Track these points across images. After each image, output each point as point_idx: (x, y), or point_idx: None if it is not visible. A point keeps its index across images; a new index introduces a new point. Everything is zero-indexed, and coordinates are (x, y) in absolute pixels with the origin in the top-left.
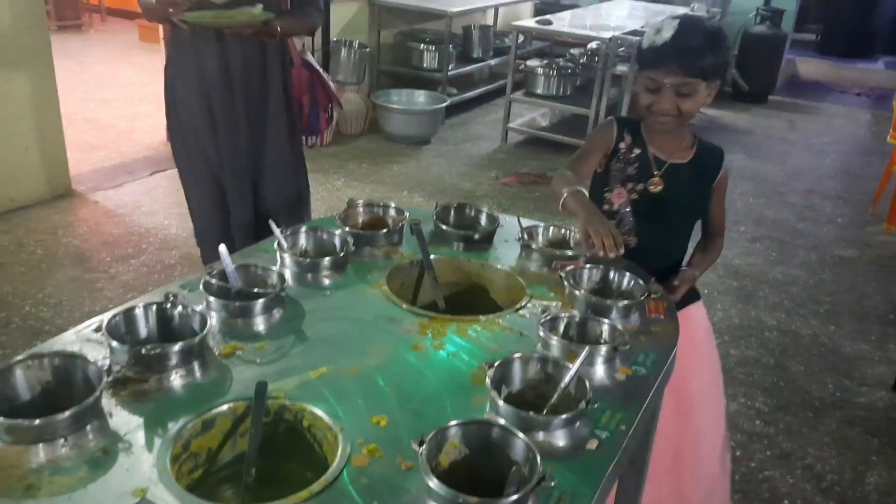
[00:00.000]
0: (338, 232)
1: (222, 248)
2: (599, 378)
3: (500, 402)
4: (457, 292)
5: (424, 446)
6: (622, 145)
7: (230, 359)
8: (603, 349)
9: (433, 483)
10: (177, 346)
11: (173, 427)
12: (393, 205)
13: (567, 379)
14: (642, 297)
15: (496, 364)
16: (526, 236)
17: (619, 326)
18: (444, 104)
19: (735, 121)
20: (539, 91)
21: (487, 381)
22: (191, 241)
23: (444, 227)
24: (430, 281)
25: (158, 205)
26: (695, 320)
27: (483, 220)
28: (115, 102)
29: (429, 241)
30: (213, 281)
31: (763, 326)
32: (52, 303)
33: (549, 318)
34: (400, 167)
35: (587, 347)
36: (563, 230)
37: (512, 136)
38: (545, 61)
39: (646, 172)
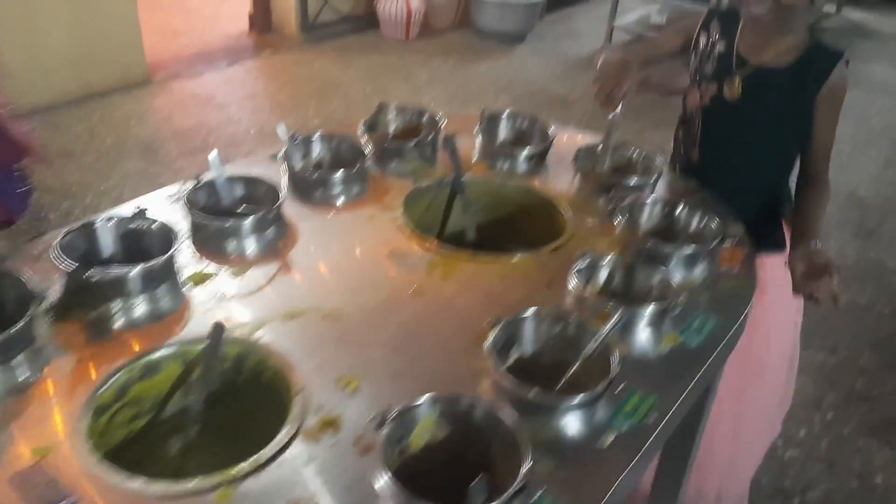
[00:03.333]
0: (359, 141)
1: (213, 154)
2: (638, 348)
3: (499, 371)
4: (494, 221)
5: (385, 427)
6: (703, 39)
7: (200, 288)
8: (647, 310)
9: (383, 482)
10: (127, 271)
11: (106, 370)
12: (428, 111)
13: (590, 348)
14: (714, 244)
15: (502, 322)
16: (582, 157)
17: (678, 279)
18: None
19: (882, 24)
20: None
21: (488, 342)
22: (259, 137)
23: (487, 140)
24: (460, 206)
25: (232, 97)
26: (777, 275)
27: (536, 133)
28: None
29: (474, 157)
30: (200, 193)
31: (883, 270)
32: (113, 195)
33: (585, 264)
34: (489, 65)
35: (621, 309)
36: (632, 151)
37: (618, 36)
38: None
39: (724, 72)
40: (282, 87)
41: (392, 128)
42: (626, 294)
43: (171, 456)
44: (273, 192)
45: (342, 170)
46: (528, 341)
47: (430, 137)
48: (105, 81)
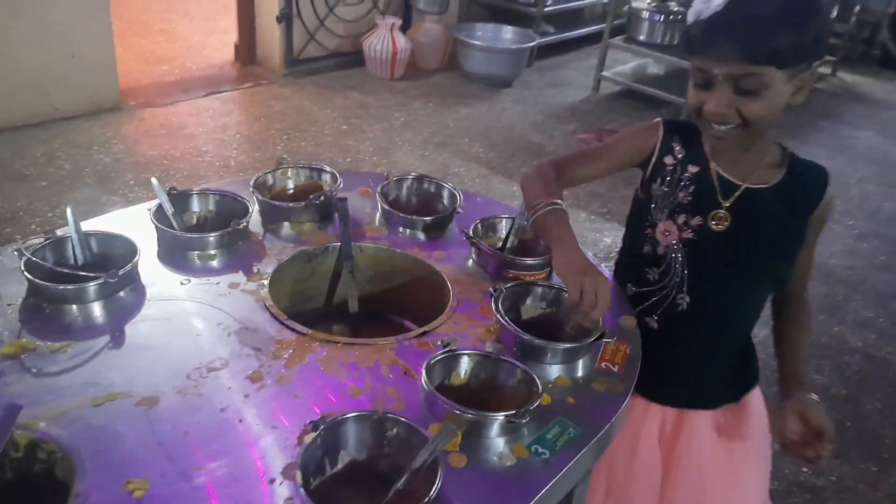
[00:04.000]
0: (243, 198)
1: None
2: (481, 458)
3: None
4: (383, 291)
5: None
6: (669, 160)
7: (10, 362)
8: (496, 420)
9: None
10: None
11: None
12: (329, 169)
13: (420, 458)
14: (592, 339)
15: (320, 428)
16: (479, 231)
17: (553, 375)
18: (531, 44)
19: (875, 90)
20: (642, 38)
21: (300, 452)
22: (223, 171)
23: (387, 204)
24: (347, 274)
25: (203, 128)
26: (747, 414)
27: (445, 199)
28: (196, 15)
29: (375, 222)
30: (34, 256)
31: (844, 347)
32: (59, 223)
33: (440, 356)
34: (470, 110)
35: (440, 428)
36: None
37: (605, 87)
38: (653, 2)
39: (707, 200)
40: (255, 120)
41: (290, 185)
42: (481, 392)
43: None
44: (131, 251)
45: (212, 232)
46: (354, 446)
47: (321, 198)
48: (73, 105)
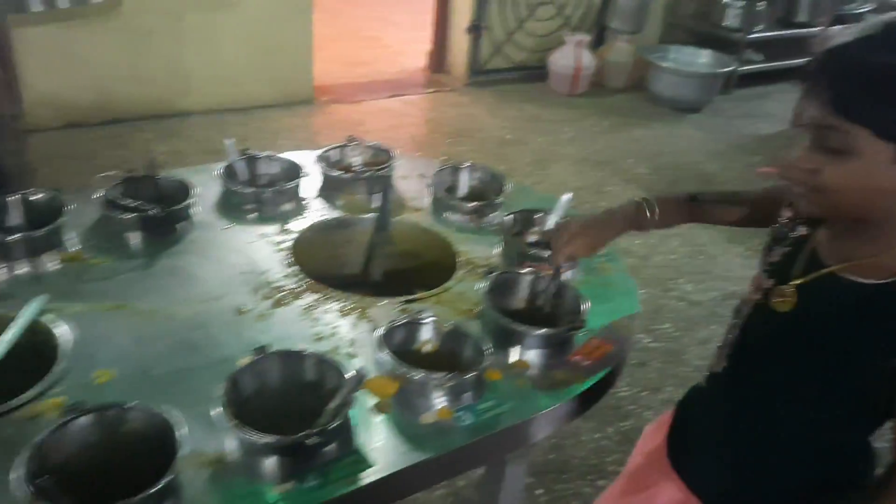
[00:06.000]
0: (302, 166)
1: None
2: (405, 415)
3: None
4: (418, 268)
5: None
6: (787, 212)
7: (63, 265)
8: (424, 379)
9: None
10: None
11: None
12: (392, 149)
13: (335, 402)
14: (569, 329)
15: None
16: (507, 225)
17: (527, 358)
18: (726, 69)
19: None
20: None
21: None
22: None
23: (434, 187)
24: (379, 247)
25: (378, 126)
26: None
27: (498, 188)
28: (402, 25)
29: (421, 202)
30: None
31: None
32: None
33: (404, 321)
34: (645, 132)
35: (353, 373)
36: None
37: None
38: None
39: (787, 269)
40: (426, 123)
41: (357, 161)
42: (438, 360)
43: None
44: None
45: (255, 188)
46: (282, 379)
47: (367, 174)
48: (270, 96)
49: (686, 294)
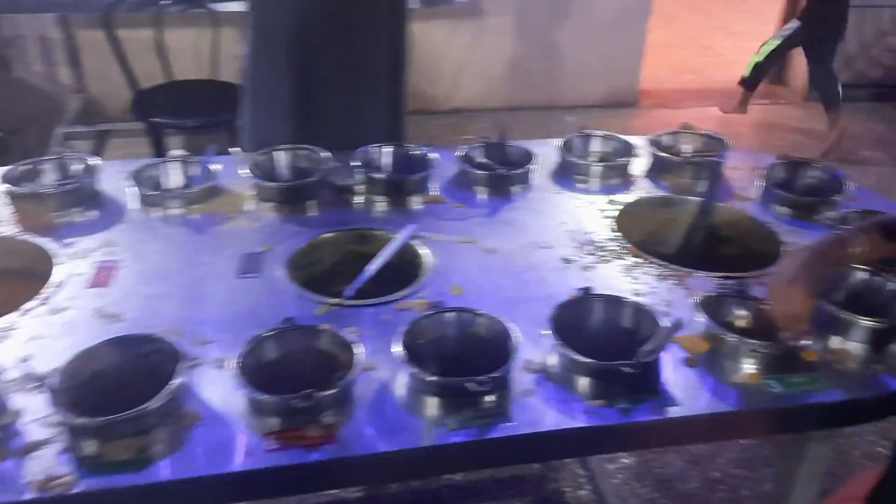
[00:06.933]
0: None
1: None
2: (713, 370)
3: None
4: (739, 257)
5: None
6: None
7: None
8: (740, 344)
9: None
10: None
11: None
12: (725, 138)
13: (638, 354)
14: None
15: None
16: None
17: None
18: None
19: None
20: None
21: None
22: None
23: (766, 179)
24: (697, 226)
25: None
26: None
27: (828, 191)
28: (743, 35)
29: (750, 193)
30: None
31: None
32: None
33: (717, 292)
34: None
35: (672, 321)
36: None
37: None
38: None
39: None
40: (754, 135)
41: (686, 148)
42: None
43: None
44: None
45: (588, 161)
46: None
47: (696, 159)
48: (597, 96)
49: None
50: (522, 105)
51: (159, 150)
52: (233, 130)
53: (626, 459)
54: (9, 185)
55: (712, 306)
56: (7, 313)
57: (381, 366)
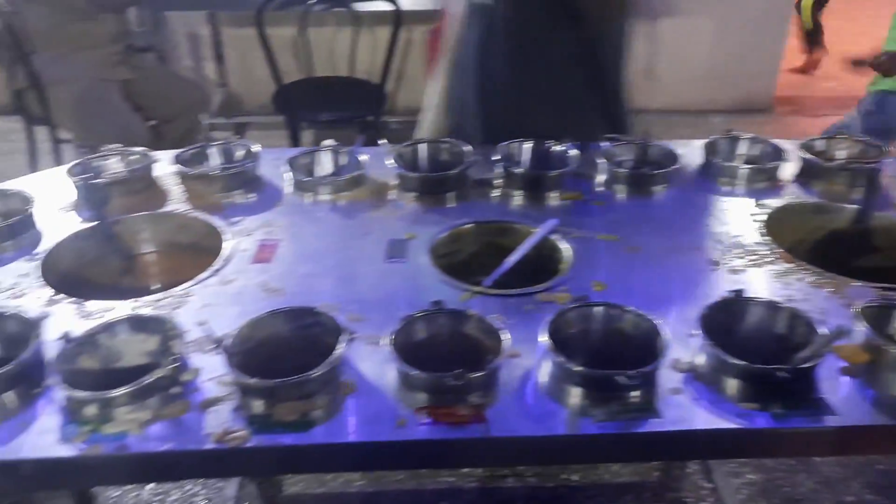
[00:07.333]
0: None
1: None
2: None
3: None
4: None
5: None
6: None
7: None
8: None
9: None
10: None
11: None
12: (888, 147)
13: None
14: None
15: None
16: None
17: None
18: None
19: None
20: None
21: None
22: None
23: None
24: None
25: None
26: None
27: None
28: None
29: None
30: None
31: None
32: None
33: (878, 302)
34: None
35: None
36: None
37: None
38: None
39: None
40: None
41: (841, 153)
42: None
43: None
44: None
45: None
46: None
47: (852, 166)
48: (729, 101)
49: None
50: (648, 108)
51: (295, 142)
52: (368, 126)
53: (752, 475)
54: (180, 166)
55: (873, 316)
56: (183, 282)
57: (525, 354)
